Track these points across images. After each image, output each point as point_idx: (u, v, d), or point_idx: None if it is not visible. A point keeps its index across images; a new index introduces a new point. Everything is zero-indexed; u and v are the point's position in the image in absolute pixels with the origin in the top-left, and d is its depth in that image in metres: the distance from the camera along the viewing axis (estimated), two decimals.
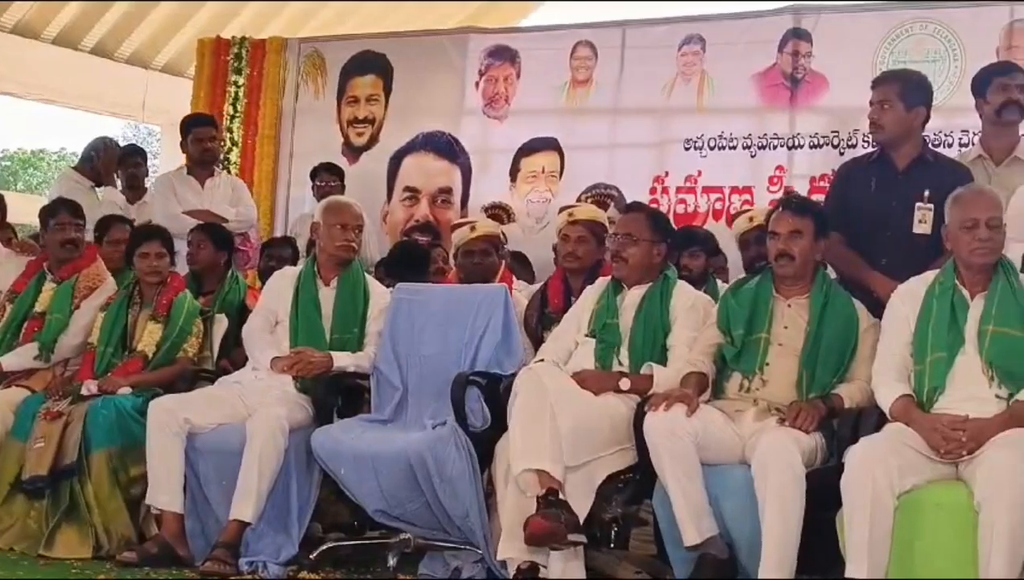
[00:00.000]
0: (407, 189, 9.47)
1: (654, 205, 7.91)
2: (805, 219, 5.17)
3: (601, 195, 8.51)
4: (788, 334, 5.12)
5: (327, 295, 6.06)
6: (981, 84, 5.96)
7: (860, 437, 4.64)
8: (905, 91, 5.62)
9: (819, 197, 6.82)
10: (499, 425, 5.24)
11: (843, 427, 4.90)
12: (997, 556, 4.20)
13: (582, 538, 4.82)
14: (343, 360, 5.90)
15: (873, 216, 5.54)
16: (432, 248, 7.62)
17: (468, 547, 5.37)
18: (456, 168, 9.31)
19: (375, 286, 6.18)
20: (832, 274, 5.43)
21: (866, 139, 7.51)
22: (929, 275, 4.96)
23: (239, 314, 6.65)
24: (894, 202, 5.52)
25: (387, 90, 9.68)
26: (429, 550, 5.51)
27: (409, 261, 6.97)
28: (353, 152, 9.73)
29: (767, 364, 5.10)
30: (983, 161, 5.89)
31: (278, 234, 9.22)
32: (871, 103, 5.65)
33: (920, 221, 5.46)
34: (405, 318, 5.95)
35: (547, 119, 8.98)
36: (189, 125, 8.42)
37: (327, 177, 8.74)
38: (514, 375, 5.26)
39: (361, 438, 5.52)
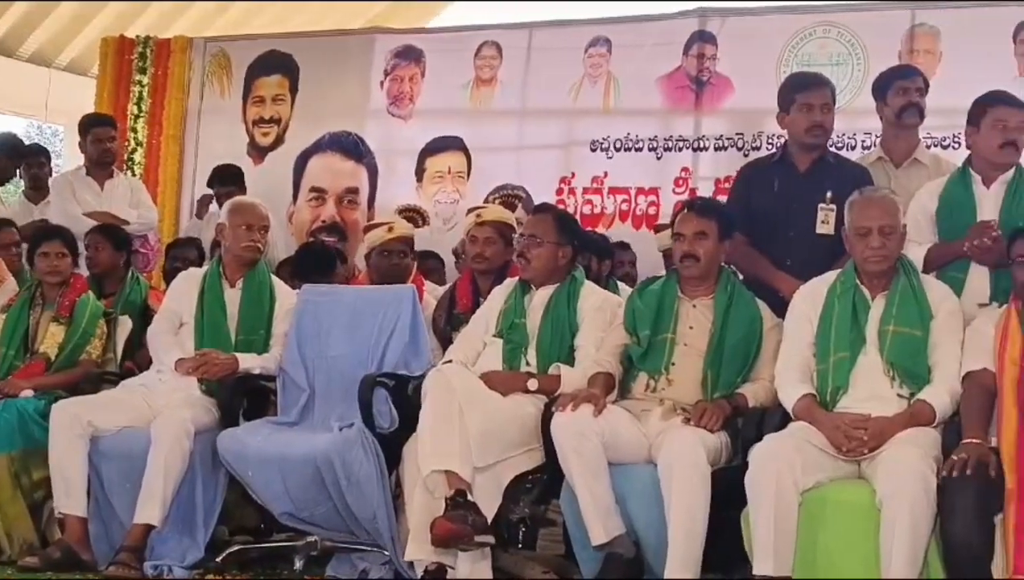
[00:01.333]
0: (313, 189, 9.42)
1: (561, 206, 7.93)
2: (710, 220, 5.22)
3: (509, 196, 8.53)
4: (693, 334, 5.16)
5: (232, 296, 6.00)
6: (882, 87, 6.03)
7: (764, 436, 4.69)
8: (833, 95, 5.74)
9: (725, 198, 6.87)
10: (407, 427, 5.22)
11: (747, 426, 4.94)
12: (899, 553, 4.26)
13: (490, 539, 4.82)
14: (249, 362, 5.85)
15: (776, 217, 5.60)
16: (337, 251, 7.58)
17: (375, 549, 5.35)
18: (362, 168, 9.28)
19: (281, 287, 6.14)
20: (738, 274, 5.49)
21: (770, 141, 7.61)
22: (831, 275, 5.03)
23: (142, 316, 6.58)
24: (796, 203, 5.58)
25: (293, 90, 9.62)
26: (336, 552, 5.49)
27: (316, 262, 6.93)
28: (259, 152, 9.66)
29: (673, 364, 5.13)
30: (883, 163, 5.95)
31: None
32: (807, 106, 5.63)
33: (822, 222, 5.53)
34: (311, 319, 5.91)
35: (452, 119, 8.98)
36: (88, 125, 8.28)
37: (221, 190, 8.55)
38: (422, 376, 5.26)
39: (267, 440, 5.48)
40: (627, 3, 8.79)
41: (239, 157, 9.38)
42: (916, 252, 5.14)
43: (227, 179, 8.58)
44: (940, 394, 4.70)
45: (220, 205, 8.32)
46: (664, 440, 4.78)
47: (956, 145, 6.85)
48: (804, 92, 5.68)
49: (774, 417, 4.91)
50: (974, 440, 4.44)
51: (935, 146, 7.02)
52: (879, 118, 6.09)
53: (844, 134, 7.47)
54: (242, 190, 8.38)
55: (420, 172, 9.03)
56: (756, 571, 4.44)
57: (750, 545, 4.49)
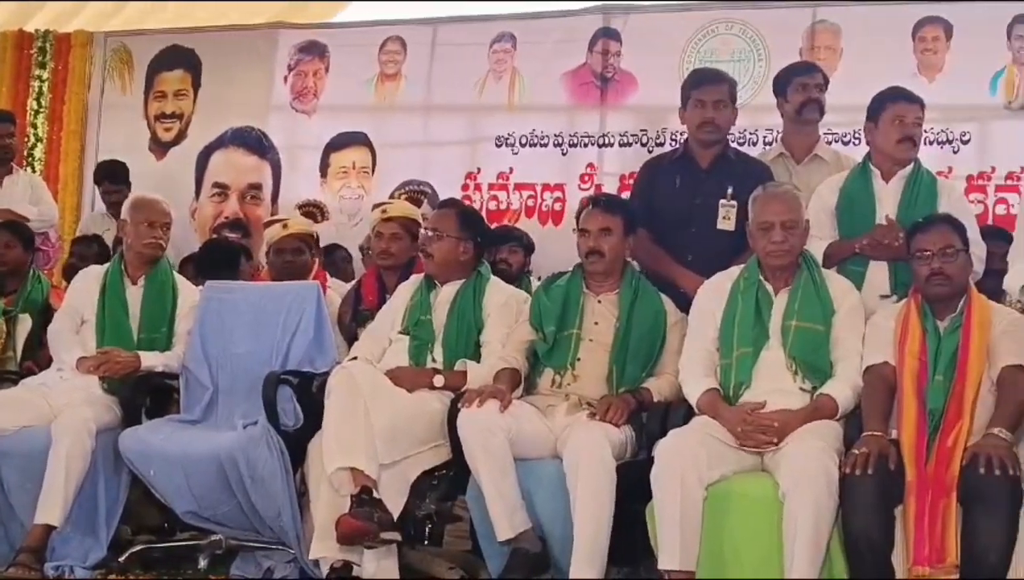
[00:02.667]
0: (216, 185, 9.34)
1: (467, 202, 7.93)
2: (615, 217, 5.24)
3: (414, 192, 8.51)
4: (598, 330, 5.19)
5: (134, 294, 5.93)
6: (782, 83, 6.08)
7: (669, 430, 4.72)
8: (732, 91, 5.76)
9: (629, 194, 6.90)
10: (312, 424, 5.20)
11: (652, 421, 4.98)
12: (801, 545, 4.31)
13: (396, 536, 4.81)
14: (151, 360, 5.78)
15: (679, 213, 5.63)
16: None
17: (280, 547, 5.32)
18: (266, 164, 9.22)
19: (184, 284, 6.08)
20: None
21: (674, 137, 7.66)
22: (734, 270, 5.08)
23: (43, 314, 6.48)
24: (699, 199, 5.61)
25: (195, 85, 9.53)
26: (241, 551, 5.44)
27: (219, 259, 6.87)
28: (161, 148, 9.56)
29: (578, 359, 5.15)
30: (784, 159, 6.01)
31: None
32: (701, 102, 5.67)
33: (724, 218, 5.56)
34: (215, 316, 5.86)
35: (357, 114, 8.95)
36: None
37: (109, 187, 8.46)
38: (327, 373, 5.22)
39: (170, 439, 5.42)
40: (531, 0, 8.79)
41: (141, 153, 9.30)
42: (817, 247, 5.19)
43: (115, 177, 8.49)
44: (842, 388, 4.76)
45: (105, 202, 8.27)
46: (570, 435, 4.80)
47: (857, 141, 6.95)
48: (698, 89, 5.72)
49: (678, 411, 4.95)
50: (875, 433, 4.50)
51: (836, 142, 7.11)
52: (780, 114, 6.14)
53: (746, 130, 7.54)
54: (128, 187, 8.29)
55: (324, 168, 8.98)
56: (661, 565, 4.46)
57: (655, 539, 4.51)
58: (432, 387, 5.21)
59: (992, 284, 5.48)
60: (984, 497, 4.25)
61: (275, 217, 7.31)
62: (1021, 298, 5.50)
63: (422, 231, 5.87)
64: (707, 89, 5.70)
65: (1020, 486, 4.28)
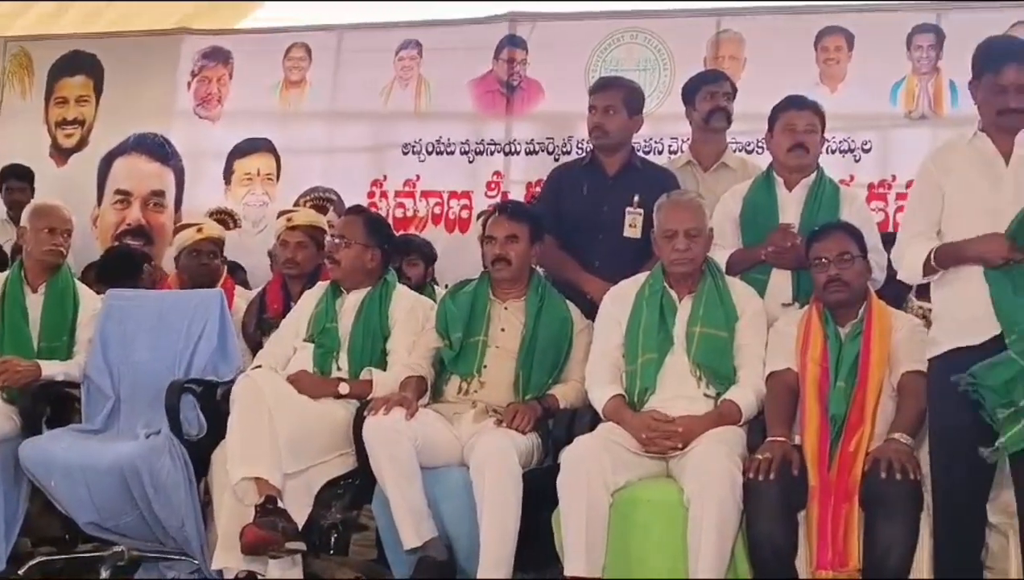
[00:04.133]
0: (118, 192, 9.22)
1: (373, 209, 7.90)
2: (521, 224, 5.25)
3: (319, 199, 8.47)
4: (505, 337, 5.19)
5: (34, 301, 5.84)
6: (690, 92, 6.12)
7: (575, 437, 4.74)
8: (629, 98, 5.76)
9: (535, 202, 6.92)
10: (215, 433, 5.17)
11: (558, 427, 4.99)
12: (706, 550, 4.35)
13: (301, 545, 4.78)
14: (52, 368, 5.69)
15: (585, 220, 5.65)
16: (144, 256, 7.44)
17: (184, 557, 5.27)
18: (169, 170, 9.11)
19: (85, 292, 5.99)
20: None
21: (580, 145, 7.68)
22: (640, 277, 5.11)
23: None
24: (605, 207, 5.64)
25: (97, 91, 9.41)
26: (144, 561, 5.39)
27: (121, 266, 6.79)
28: (61, 154, 9.42)
29: (485, 366, 5.15)
30: (692, 167, 6.04)
31: None
32: (593, 108, 5.74)
33: (630, 225, 5.60)
34: (117, 324, 5.79)
35: (261, 121, 8.89)
36: None
37: (15, 183, 8.37)
38: (231, 382, 5.20)
39: (71, 449, 5.35)
40: (438, 5, 8.76)
41: (41, 159, 9.15)
42: (721, 255, 5.24)
43: (20, 175, 8.39)
44: (745, 394, 4.80)
45: (7, 202, 8.15)
46: (476, 443, 4.80)
47: (761, 150, 7.00)
48: (592, 95, 5.79)
49: (584, 418, 4.97)
50: (778, 438, 4.55)
51: (741, 151, 7.15)
52: (688, 122, 6.18)
53: (652, 139, 7.59)
54: (31, 191, 8.19)
55: (228, 174, 8.91)
56: (567, 571, 4.48)
57: (561, 545, 4.53)
58: (337, 395, 5.18)
59: (894, 291, 5.56)
60: (885, 501, 4.31)
61: (188, 222, 7.24)
62: (922, 305, 5.60)
63: (328, 238, 5.84)
64: (597, 95, 5.77)
65: (920, 490, 4.35)
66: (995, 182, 4.36)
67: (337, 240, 5.51)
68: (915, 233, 4.52)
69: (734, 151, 6.45)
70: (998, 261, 4.26)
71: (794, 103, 5.41)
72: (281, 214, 6.41)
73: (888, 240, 5.41)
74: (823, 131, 5.42)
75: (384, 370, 5.26)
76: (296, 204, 8.23)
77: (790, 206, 5.32)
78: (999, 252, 4.25)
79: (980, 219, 4.33)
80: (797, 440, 4.59)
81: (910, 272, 4.56)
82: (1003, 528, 4.46)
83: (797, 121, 5.34)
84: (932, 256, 4.39)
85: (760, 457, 4.44)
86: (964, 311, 4.34)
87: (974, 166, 4.42)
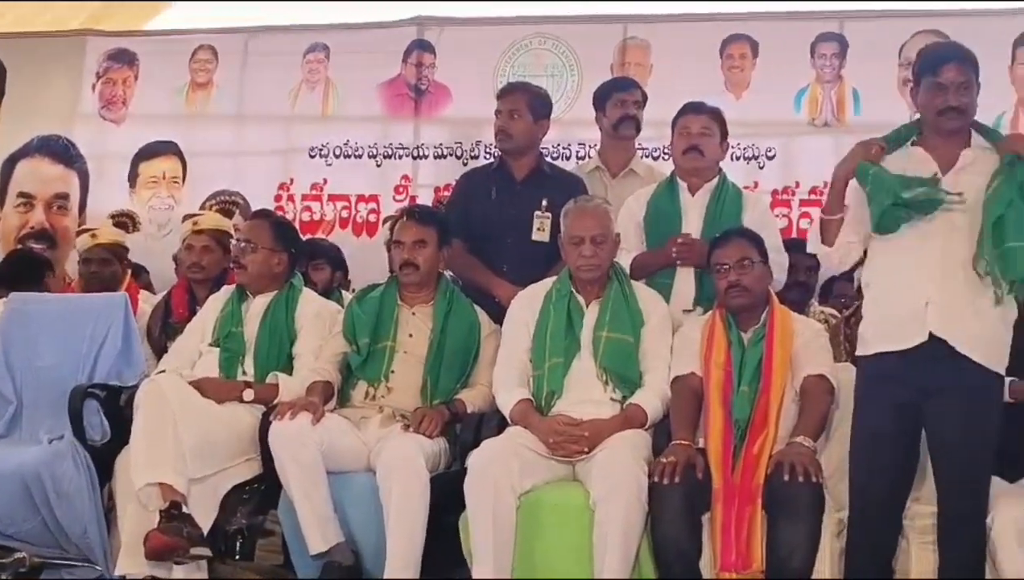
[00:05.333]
0: (21, 195, 9.08)
1: (280, 212, 7.87)
2: (429, 228, 5.26)
3: (226, 202, 8.41)
4: (413, 342, 5.19)
5: None
6: (601, 98, 6.15)
7: (482, 441, 4.75)
8: (534, 102, 5.79)
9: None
10: (119, 438, 5.11)
11: (465, 432, 5.01)
12: (612, 552, 4.38)
13: (206, 551, 4.75)
14: None
15: (494, 224, 5.67)
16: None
17: (87, 564, 5.19)
18: (73, 173, 8.99)
19: None
20: (457, 281, 5.54)
21: (488, 150, 7.70)
22: (548, 282, 5.13)
23: None
24: (513, 211, 5.67)
25: (0, 92, 9.28)
26: (46, 568, 5.29)
27: (24, 270, 6.69)
28: None
29: (392, 371, 5.15)
30: (600, 173, 6.08)
31: None
32: (498, 112, 5.78)
33: (538, 229, 5.63)
34: (19, 328, 5.71)
35: (167, 123, 8.80)
36: None
37: None
38: (135, 387, 5.14)
39: None
40: (346, 8, 8.73)
41: None
42: (625, 259, 5.27)
43: None
44: (651, 398, 4.85)
45: None
46: (383, 447, 4.79)
47: (666, 156, 7.06)
48: (498, 100, 5.85)
49: (492, 422, 4.99)
50: (683, 442, 4.59)
51: (648, 157, 7.21)
52: (598, 128, 6.21)
53: (559, 144, 7.63)
54: None
55: (133, 177, 8.81)
56: (475, 575, 4.49)
57: (469, 549, 4.54)
58: (242, 400, 5.15)
59: (797, 296, 5.64)
60: (788, 503, 4.37)
61: (85, 226, 7.15)
62: (824, 310, 5.68)
63: (234, 242, 5.81)
64: (503, 99, 5.82)
65: (823, 492, 4.41)
66: None
67: (243, 244, 5.47)
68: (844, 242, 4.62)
69: (641, 157, 6.50)
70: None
71: (690, 108, 5.47)
72: (187, 218, 6.37)
73: (791, 246, 5.50)
74: (724, 136, 5.46)
75: (290, 375, 5.24)
76: (202, 208, 8.18)
77: (693, 210, 5.37)
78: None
79: (910, 231, 4.39)
80: (702, 443, 4.64)
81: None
82: (905, 531, 4.55)
83: (692, 125, 5.40)
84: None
85: (665, 461, 4.47)
86: (894, 313, 4.40)
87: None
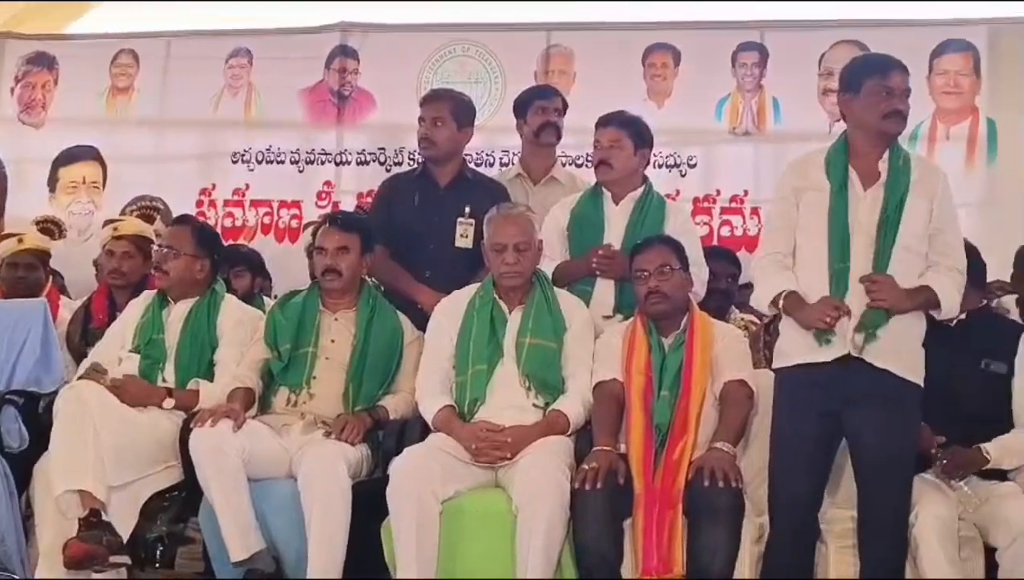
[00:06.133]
0: None
1: (201, 218, 7.82)
2: (352, 234, 5.25)
3: (146, 208, 8.33)
4: (335, 348, 5.18)
5: None
6: (522, 106, 6.17)
7: (405, 448, 4.75)
8: (457, 110, 5.80)
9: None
10: (38, 445, 5.06)
11: (388, 438, 5.01)
12: (534, 558, 4.40)
13: (125, 559, 4.71)
14: None
15: (416, 230, 5.68)
16: None
17: (4, 572, 5.14)
18: None
19: None
20: (380, 287, 5.54)
21: (412, 156, 7.70)
22: (471, 288, 5.14)
23: None
24: (436, 217, 5.67)
25: None
26: None
27: None
28: None
29: (314, 378, 5.13)
30: (522, 180, 6.10)
31: None
32: (422, 119, 5.79)
33: (461, 236, 5.64)
34: None
35: (87, 128, 8.73)
36: None
37: None
38: (54, 393, 5.09)
39: None
40: (269, 12, 8.69)
41: None
42: (549, 266, 5.29)
43: None
44: (573, 404, 4.87)
45: None
46: (305, 454, 4.78)
47: (589, 164, 7.08)
48: (421, 107, 5.86)
49: (414, 429, 5.00)
50: (605, 447, 4.61)
51: (571, 165, 7.24)
52: (520, 136, 6.24)
53: (483, 151, 7.63)
54: None
55: (53, 182, 8.73)
56: None
57: (391, 556, 4.54)
58: (163, 408, 5.11)
59: (718, 303, 5.68)
60: (708, 508, 4.41)
61: (9, 232, 7.07)
62: (744, 317, 5.73)
63: (155, 248, 5.77)
64: (427, 107, 5.83)
65: (742, 497, 4.46)
66: (855, 203, 4.43)
67: (165, 250, 5.43)
68: (772, 252, 4.60)
69: (563, 165, 6.53)
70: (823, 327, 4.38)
71: (601, 121, 5.52)
72: (107, 223, 6.30)
73: (712, 254, 5.55)
74: (641, 146, 5.48)
75: (211, 381, 5.21)
76: (122, 213, 8.10)
77: (616, 220, 5.40)
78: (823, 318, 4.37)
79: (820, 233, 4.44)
80: (623, 449, 4.67)
81: (759, 302, 4.65)
82: (823, 535, 4.61)
83: (601, 138, 5.46)
84: (781, 301, 4.50)
85: (587, 467, 4.50)
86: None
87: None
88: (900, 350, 4.39)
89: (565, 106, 6.21)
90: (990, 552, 4.53)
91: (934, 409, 4.55)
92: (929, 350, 4.51)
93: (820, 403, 4.40)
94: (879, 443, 4.36)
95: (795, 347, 4.49)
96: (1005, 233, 5.85)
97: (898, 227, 4.39)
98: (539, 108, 6.11)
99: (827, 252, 4.41)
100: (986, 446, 4.61)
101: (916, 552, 4.39)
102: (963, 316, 4.71)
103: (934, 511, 4.41)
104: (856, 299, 4.35)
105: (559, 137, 6.15)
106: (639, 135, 5.49)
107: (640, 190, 5.46)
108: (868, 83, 4.45)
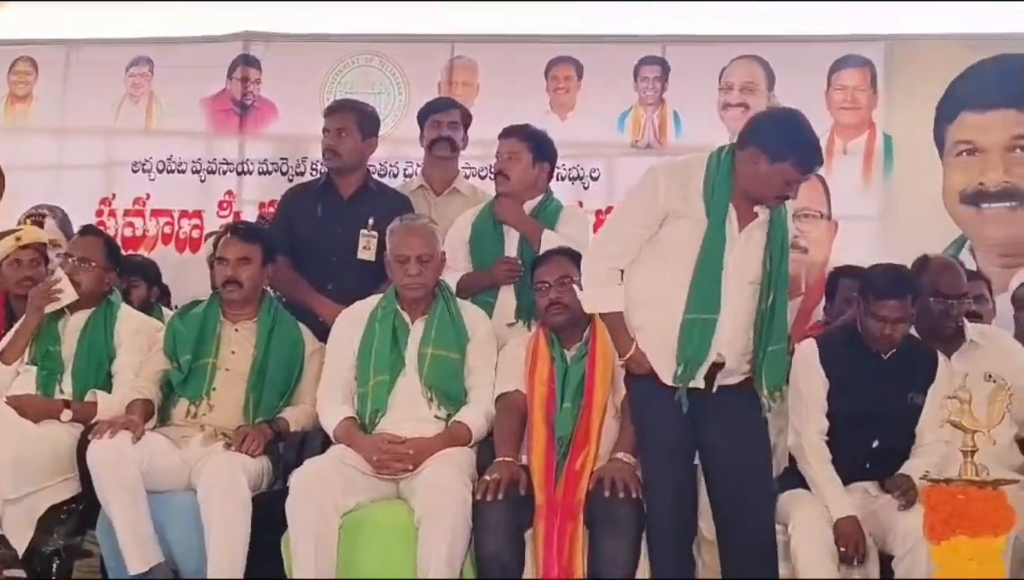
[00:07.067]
0: None
1: (101, 227, 7.74)
2: (253, 245, 5.23)
3: (39, 215, 8.20)
4: (235, 359, 5.15)
5: None
6: (421, 119, 6.21)
7: (306, 459, 4.74)
8: (362, 121, 5.80)
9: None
10: None
11: (288, 450, 5.00)
12: (435, 569, 4.42)
13: (21, 573, 4.68)
14: None
15: (319, 242, 5.67)
16: None
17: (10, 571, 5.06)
18: None
19: None
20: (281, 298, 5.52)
21: (315, 167, 7.65)
22: (373, 299, 5.14)
23: None
24: (339, 229, 5.67)
25: None
26: None
27: None
28: None
29: (214, 389, 5.10)
30: (424, 191, 6.11)
31: None
32: (326, 130, 5.78)
33: (364, 247, 5.64)
34: None
35: None
36: None
37: None
38: None
39: None
40: (171, 18, 8.61)
41: None
42: (452, 277, 5.31)
43: None
44: (476, 415, 4.89)
45: None
46: (204, 466, 4.75)
47: (492, 176, 7.12)
48: (326, 118, 5.87)
49: (315, 441, 4.99)
50: (507, 459, 4.64)
51: (474, 176, 7.25)
52: (422, 147, 6.25)
53: (387, 162, 7.62)
54: None
55: None
56: None
57: (291, 569, 4.52)
58: (60, 421, 5.05)
59: None
60: (609, 519, 4.45)
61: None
62: None
63: (55, 256, 5.71)
64: (331, 118, 5.83)
65: (643, 507, 4.49)
66: (729, 243, 4.39)
67: (78, 262, 5.37)
68: (610, 255, 4.54)
69: (467, 177, 6.54)
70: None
71: (502, 133, 5.59)
72: (7, 234, 6.20)
73: None
74: (538, 159, 5.53)
75: (109, 392, 5.16)
76: (20, 223, 7.98)
77: (514, 231, 5.46)
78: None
79: (685, 265, 4.40)
80: (525, 460, 4.68)
81: (587, 305, 4.63)
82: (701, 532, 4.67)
83: (500, 149, 5.54)
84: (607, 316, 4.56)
85: (489, 478, 4.52)
86: (672, 358, 4.45)
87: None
88: (740, 367, 4.47)
89: (466, 118, 6.22)
90: (886, 560, 4.62)
91: (858, 441, 4.70)
92: (860, 382, 4.61)
93: (676, 415, 4.43)
94: (731, 452, 4.44)
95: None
96: (901, 247, 5.92)
97: (785, 278, 4.45)
98: (434, 122, 6.15)
99: (688, 296, 4.37)
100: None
101: (795, 563, 4.45)
102: (893, 350, 4.79)
103: (809, 521, 4.48)
104: (724, 349, 4.39)
105: (454, 150, 6.16)
106: (538, 147, 5.53)
107: (539, 200, 5.50)
108: (784, 165, 4.27)
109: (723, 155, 4.42)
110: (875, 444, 4.80)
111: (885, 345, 4.77)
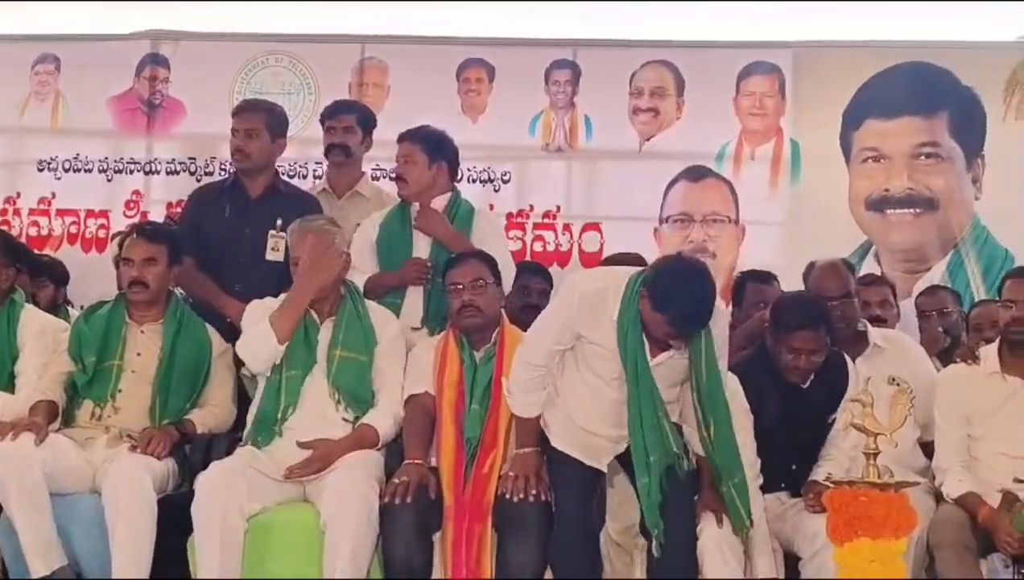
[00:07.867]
0: None
1: (5, 227, 7.65)
2: (159, 245, 5.17)
3: None
4: (141, 361, 5.10)
5: None
6: (321, 123, 6.19)
7: (212, 462, 4.70)
8: (271, 122, 5.77)
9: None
10: None
11: (195, 452, 4.96)
12: (341, 573, 4.40)
13: None
14: None
15: (227, 242, 5.63)
16: None
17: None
18: None
19: None
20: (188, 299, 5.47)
21: (223, 167, 7.60)
22: (282, 297, 5.09)
23: None
24: (247, 229, 5.63)
25: None
26: None
27: None
28: None
29: (120, 391, 5.05)
30: (327, 194, 6.08)
31: None
32: (235, 131, 5.74)
33: (273, 249, 5.60)
34: None
35: None
36: None
37: None
38: None
39: None
40: (78, 16, 8.50)
41: None
42: (359, 279, 5.29)
43: None
44: (384, 417, 4.87)
45: None
46: (109, 468, 4.70)
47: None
48: (234, 118, 5.84)
49: (222, 443, 4.96)
50: (415, 461, 4.64)
51: (384, 177, 7.22)
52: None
53: (296, 162, 7.58)
54: None
55: None
56: None
57: (196, 572, 4.49)
58: None
59: (529, 317, 5.72)
60: (517, 521, 4.48)
61: None
62: None
63: None
64: (240, 118, 5.80)
65: (551, 509, 4.50)
66: (644, 371, 4.42)
67: None
68: (531, 364, 4.61)
69: (375, 178, 6.52)
70: None
71: (399, 137, 5.60)
72: None
73: (525, 270, 5.65)
74: (435, 160, 5.52)
75: (12, 393, 5.08)
76: None
77: (422, 233, 5.45)
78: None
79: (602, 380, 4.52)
80: (434, 462, 4.68)
81: (512, 405, 4.69)
82: (628, 548, 4.70)
83: (398, 154, 5.55)
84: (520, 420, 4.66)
85: (397, 480, 4.52)
86: (586, 442, 4.58)
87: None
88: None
89: (370, 120, 6.20)
90: (793, 561, 4.67)
91: (776, 465, 4.78)
92: (781, 416, 4.71)
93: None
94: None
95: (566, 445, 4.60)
96: (806, 252, 5.98)
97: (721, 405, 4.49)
98: (327, 128, 6.13)
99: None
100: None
101: (702, 565, 4.47)
102: (812, 377, 4.84)
103: (714, 528, 4.50)
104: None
105: (349, 156, 6.10)
106: (433, 148, 5.53)
107: (446, 199, 5.50)
108: (661, 317, 4.26)
109: (636, 285, 4.41)
110: (793, 467, 4.87)
111: (801, 376, 4.81)
